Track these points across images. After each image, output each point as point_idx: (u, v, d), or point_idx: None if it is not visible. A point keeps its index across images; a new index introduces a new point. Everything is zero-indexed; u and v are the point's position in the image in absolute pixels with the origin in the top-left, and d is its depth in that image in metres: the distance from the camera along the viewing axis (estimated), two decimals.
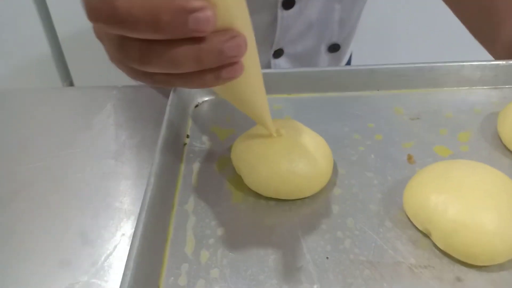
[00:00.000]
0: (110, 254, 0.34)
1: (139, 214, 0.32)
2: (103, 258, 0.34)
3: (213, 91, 0.47)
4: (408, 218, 0.34)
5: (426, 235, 0.33)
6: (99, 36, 0.26)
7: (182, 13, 0.21)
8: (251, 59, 0.26)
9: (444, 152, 0.40)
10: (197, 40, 0.22)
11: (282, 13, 0.57)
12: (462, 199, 0.31)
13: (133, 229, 0.31)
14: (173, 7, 0.21)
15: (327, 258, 0.32)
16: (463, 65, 0.46)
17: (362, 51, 0.88)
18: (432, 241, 0.32)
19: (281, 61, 0.65)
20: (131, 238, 0.32)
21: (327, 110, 0.45)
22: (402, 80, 0.47)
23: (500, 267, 0.31)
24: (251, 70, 0.27)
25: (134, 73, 0.25)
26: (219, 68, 0.23)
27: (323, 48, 0.66)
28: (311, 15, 0.60)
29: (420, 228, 0.33)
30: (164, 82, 0.25)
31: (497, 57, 0.54)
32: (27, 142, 0.45)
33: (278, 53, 0.64)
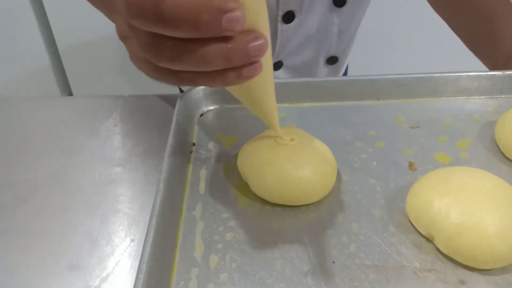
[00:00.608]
0: (120, 259, 0.34)
1: (150, 219, 0.32)
2: (113, 263, 0.34)
3: (215, 100, 0.48)
4: (411, 223, 0.35)
5: (429, 240, 0.34)
6: (124, 35, 0.27)
7: (218, 13, 0.22)
8: (267, 60, 0.27)
9: (444, 159, 0.41)
10: (226, 39, 0.23)
11: (282, 27, 0.59)
12: (464, 203, 0.32)
13: (143, 235, 0.32)
14: (212, 7, 0.22)
15: (333, 262, 0.33)
16: (461, 75, 0.48)
17: (359, 61, 0.90)
18: (435, 245, 0.33)
19: (280, 73, 0.66)
20: (140, 244, 0.33)
21: (329, 119, 0.46)
22: (401, 89, 0.48)
23: (503, 270, 0.32)
24: (266, 71, 0.28)
25: (158, 72, 0.26)
26: (241, 67, 0.24)
27: (322, 60, 0.68)
28: (310, 28, 0.62)
29: (423, 233, 0.34)
30: (189, 80, 0.26)
31: (493, 69, 0.55)
32: (36, 150, 0.46)
33: (277, 65, 0.65)
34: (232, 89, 0.32)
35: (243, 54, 0.24)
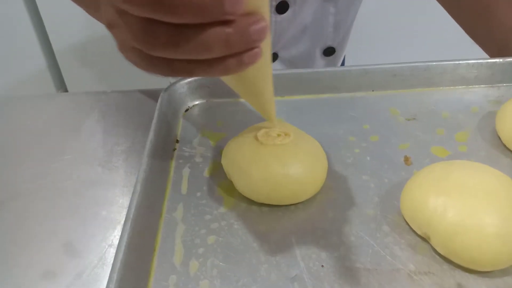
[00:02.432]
0: (96, 266, 0.32)
1: (124, 223, 0.30)
2: (88, 270, 0.32)
3: (201, 95, 0.46)
4: (406, 222, 0.33)
5: (425, 240, 0.32)
6: (111, 22, 0.25)
7: None
8: (266, 46, 0.26)
9: (442, 153, 0.39)
10: (226, 23, 0.21)
11: (275, 17, 0.56)
12: (462, 201, 0.30)
13: None
14: None
15: (322, 266, 0.30)
16: (459, 63, 0.45)
17: (355, 52, 0.87)
18: (431, 246, 0.31)
19: (276, 65, 0.64)
20: None
21: (321, 112, 0.44)
22: (397, 80, 0.46)
23: (503, 272, 0.29)
24: (265, 58, 0.27)
25: (151, 63, 0.24)
26: (241, 53, 0.23)
27: (318, 52, 0.66)
28: (305, 19, 0.59)
29: (419, 233, 0.32)
30: (185, 70, 0.24)
31: (493, 56, 0.53)
32: (13, 150, 0.44)
33: (272, 58, 0.63)
34: (228, 79, 0.30)
35: (245, 39, 0.22)
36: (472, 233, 0.29)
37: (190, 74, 0.24)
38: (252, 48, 0.23)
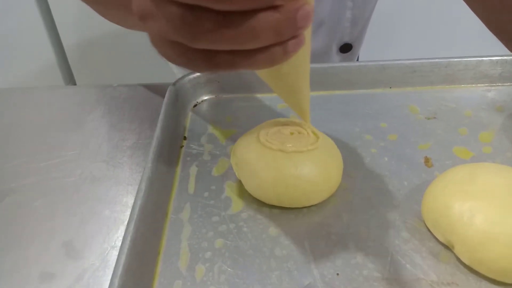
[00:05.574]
0: (97, 268, 0.31)
1: (128, 224, 0.29)
2: (89, 272, 0.31)
3: (210, 89, 0.44)
4: (428, 229, 0.31)
5: (449, 248, 0.29)
6: (145, 13, 0.23)
7: None
8: (308, 34, 0.24)
9: (465, 154, 0.37)
10: (275, 8, 0.20)
11: None
12: (490, 207, 0.28)
13: None
14: None
15: (338, 274, 0.28)
16: (482, 60, 0.43)
17: (370, 49, 0.85)
18: (455, 254, 0.29)
19: None
20: None
21: (336, 109, 0.42)
22: (416, 76, 0.44)
23: None
24: (306, 48, 0.25)
25: (189, 57, 0.22)
26: (285, 41, 0.21)
27: (334, 48, 0.64)
28: (321, 14, 0.57)
29: (442, 240, 0.30)
30: (227, 63, 0.22)
31: None
32: (13, 143, 0.43)
33: None
34: (265, 73, 0.27)
35: (292, 25, 0.20)
36: (502, 241, 0.27)
37: (232, 67, 0.22)
38: (295, 36, 0.21)
